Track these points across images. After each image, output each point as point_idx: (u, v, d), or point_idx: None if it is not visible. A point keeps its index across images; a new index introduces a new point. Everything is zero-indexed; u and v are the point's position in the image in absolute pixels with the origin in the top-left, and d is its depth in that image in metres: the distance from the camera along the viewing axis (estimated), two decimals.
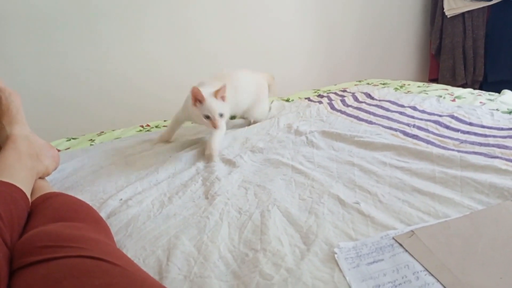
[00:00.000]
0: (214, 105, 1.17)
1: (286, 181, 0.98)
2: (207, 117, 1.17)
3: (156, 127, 1.59)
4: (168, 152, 1.26)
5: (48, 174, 0.96)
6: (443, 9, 2.86)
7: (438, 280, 0.58)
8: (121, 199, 0.95)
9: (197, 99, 1.17)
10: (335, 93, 1.89)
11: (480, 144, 1.09)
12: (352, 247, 0.69)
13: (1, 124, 0.94)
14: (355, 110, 1.57)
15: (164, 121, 1.66)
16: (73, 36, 1.89)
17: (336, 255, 0.67)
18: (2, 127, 0.93)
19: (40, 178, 0.92)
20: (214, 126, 1.17)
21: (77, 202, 0.76)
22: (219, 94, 1.18)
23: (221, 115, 1.19)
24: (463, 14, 2.81)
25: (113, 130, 1.54)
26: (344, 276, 0.62)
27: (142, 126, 1.59)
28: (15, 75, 1.81)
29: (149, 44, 2.08)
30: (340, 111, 1.59)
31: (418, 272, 0.61)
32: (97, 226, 0.70)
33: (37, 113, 1.81)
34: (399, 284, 0.59)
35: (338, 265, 0.65)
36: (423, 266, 0.61)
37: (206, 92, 1.17)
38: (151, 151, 1.28)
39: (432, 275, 0.59)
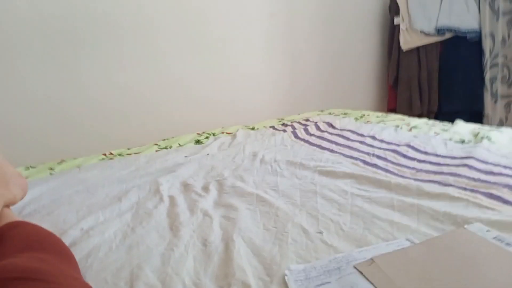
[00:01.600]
0: None
1: (251, 211, 0.99)
2: None
3: (119, 155, 1.57)
4: (130, 180, 1.24)
5: (14, 203, 0.93)
6: (399, 43, 3.02)
7: None
8: (82, 229, 0.93)
9: None
10: (299, 122, 1.94)
11: (435, 173, 1.14)
12: (302, 269, 0.71)
13: None
14: (317, 139, 1.62)
15: (128, 149, 1.64)
16: (35, 60, 1.85)
17: (286, 277, 0.69)
18: None
19: (6, 206, 0.89)
20: None
21: (44, 231, 0.75)
22: None
23: None
24: (417, 48, 2.97)
25: (75, 158, 1.51)
26: None
27: (105, 154, 1.56)
28: None
29: (116, 71, 2.07)
30: (303, 139, 1.64)
31: None
32: (65, 258, 0.68)
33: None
34: None
35: None
36: None
37: None
38: (114, 178, 1.26)
39: None
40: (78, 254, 0.82)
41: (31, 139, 1.87)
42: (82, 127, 1.98)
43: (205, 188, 1.15)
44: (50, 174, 1.36)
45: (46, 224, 0.95)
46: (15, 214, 0.91)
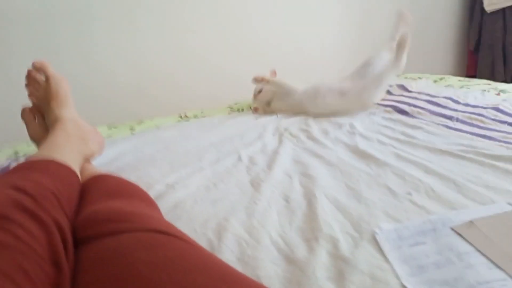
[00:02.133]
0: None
1: (331, 170, 0.97)
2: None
3: (194, 116, 1.60)
4: (207, 139, 1.27)
5: (93, 158, 0.97)
6: (482, 4, 2.78)
7: (504, 270, 0.56)
8: (167, 184, 0.96)
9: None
10: None
11: None
12: (393, 229, 0.69)
13: (50, 107, 0.96)
14: (392, 103, 1.54)
15: (202, 111, 1.67)
16: (106, 26, 1.92)
17: (377, 236, 0.67)
18: (51, 110, 0.96)
19: (85, 161, 0.94)
20: None
21: (129, 182, 0.78)
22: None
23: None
24: (503, 9, 2.72)
25: (152, 119, 1.56)
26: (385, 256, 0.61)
27: (181, 116, 1.61)
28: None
29: (184, 37, 2.10)
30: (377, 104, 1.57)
31: (461, 255, 0.60)
32: (149, 204, 0.71)
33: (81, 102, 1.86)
34: (442, 265, 0.59)
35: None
36: (486, 256, 0.59)
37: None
38: (192, 138, 1.29)
39: (496, 265, 0.57)
40: (165, 206, 0.85)
41: (110, 100, 1.96)
42: (158, 90, 2.04)
43: (282, 147, 1.15)
44: (132, 133, 1.43)
45: (131, 179, 0.98)
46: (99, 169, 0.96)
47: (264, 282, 0.60)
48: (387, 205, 0.78)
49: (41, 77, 1.01)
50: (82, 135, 0.94)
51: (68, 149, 0.84)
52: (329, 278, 0.60)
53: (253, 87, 1.62)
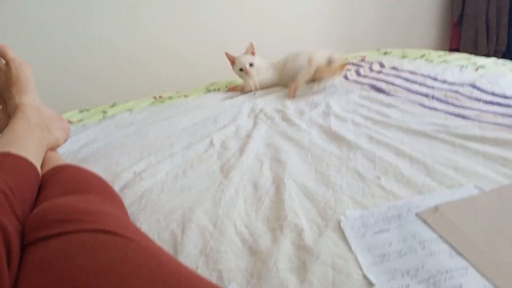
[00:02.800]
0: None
1: (302, 154, 0.96)
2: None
3: (169, 98, 1.56)
4: (180, 123, 1.24)
5: (58, 146, 0.94)
6: None
7: (465, 258, 0.55)
8: (134, 172, 0.94)
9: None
10: (353, 63, 1.83)
11: (502, 115, 1.04)
12: (359, 216, 0.68)
13: (11, 93, 0.92)
14: (371, 80, 1.52)
15: (177, 92, 1.63)
16: (86, 2, 1.84)
17: (341, 223, 0.66)
18: (11, 97, 0.91)
19: (50, 150, 0.91)
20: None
21: (89, 174, 0.75)
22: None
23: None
24: None
25: (126, 102, 1.52)
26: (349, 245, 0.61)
27: (155, 98, 1.57)
28: (26, 43, 1.79)
29: (157, 17, 2.03)
30: (355, 81, 1.55)
31: (424, 242, 0.60)
32: (110, 199, 0.68)
33: (49, 84, 1.80)
34: (404, 254, 0.58)
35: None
36: (449, 244, 0.58)
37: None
38: (165, 122, 1.26)
39: (459, 252, 0.57)
40: (131, 196, 0.83)
41: (84, 81, 1.90)
42: (133, 71, 1.99)
43: (255, 130, 1.12)
44: (104, 117, 1.39)
45: (100, 167, 0.97)
46: (66, 158, 0.93)
47: (225, 275, 0.59)
48: (355, 190, 0.77)
49: (1, 62, 0.96)
50: (45, 122, 0.90)
51: (28, 140, 0.81)
52: (291, 269, 0.59)
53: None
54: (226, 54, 1.57)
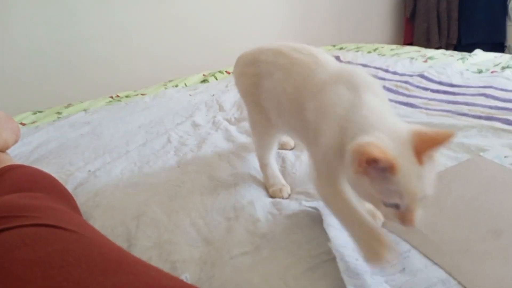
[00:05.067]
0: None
1: None
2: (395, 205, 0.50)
3: (126, 96, 1.54)
4: (137, 121, 1.23)
5: (7, 148, 0.92)
6: None
7: (408, 242, 0.58)
8: (89, 171, 0.93)
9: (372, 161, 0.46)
10: None
11: (448, 102, 1.10)
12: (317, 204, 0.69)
13: None
14: None
15: (135, 90, 1.61)
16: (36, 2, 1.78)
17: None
18: None
19: None
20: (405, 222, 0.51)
21: (37, 173, 0.74)
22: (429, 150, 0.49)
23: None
24: None
25: (81, 102, 1.49)
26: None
27: (112, 97, 1.54)
28: None
29: (117, 13, 1.99)
30: None
31: None
32: (58, 196, 0.68)
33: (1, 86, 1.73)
34: None
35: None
36: (391, 231, 0.61)
37: (391, 142, 0.49)
38: (121, 121, 1.24)
39: (403, 238, 0.60)
40: (85, 194, 0.82)
41: (38, 84, 1.84)
42: (89, 71, 1.94)
43: (214, 126, 1.13)
44: (58, 118, 1.36)
45: (53, 167, 0.95)
46: (18, 160, 0.91)
47: (179, 265, 0.60)
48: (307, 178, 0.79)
49: None
50: None
51: None
52: (244, 254, 0.60)
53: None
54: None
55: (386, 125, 0.51)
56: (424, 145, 0.47)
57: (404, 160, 0.47)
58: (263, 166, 0.81)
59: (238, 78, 0.83)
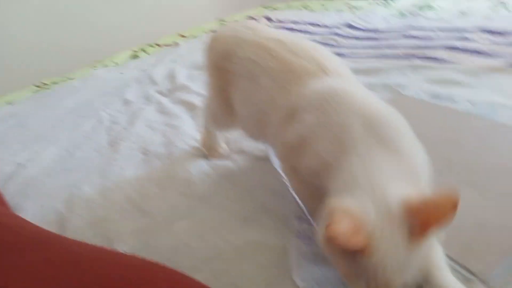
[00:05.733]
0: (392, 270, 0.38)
1: (193, 118, 0.95)
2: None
3: (54, 83, 1.46)
4: (66, 107, 1.18)
5: None
6: None
7: None
8: (18, 163, 0.88)
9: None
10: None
11: (372, 48, 1.14)
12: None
13: None
14: None
15: (62, 76, 1.53)
16: None
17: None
18: None
19: None
20: None
21: None
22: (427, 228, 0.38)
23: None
24: None
25: (5, 95, 1.40)
26: None
27: (39, 86, 1.46)
28: None
29: None
30: None
31: None
32: None
33: None
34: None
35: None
36: None
37: (374, 213, 0.39)
38: (49, 109, 1.18)
39: None
40: (15, 187, 0.79)
41: None
42: (8, 59, 1.80)
43: (146, 101, 1.10)
44: None
45: None
46: None
47: (115, 240, 0.59)
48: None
49: None
50: None
51: None
52: (180, 217, 0.61)
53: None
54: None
55: (375, 190, 0.39)
56: (420, 222, 0.36)
57: (384, 241, 0.36)
58: (206, 130, 0.76)
59: (209, 68, 0.69)
